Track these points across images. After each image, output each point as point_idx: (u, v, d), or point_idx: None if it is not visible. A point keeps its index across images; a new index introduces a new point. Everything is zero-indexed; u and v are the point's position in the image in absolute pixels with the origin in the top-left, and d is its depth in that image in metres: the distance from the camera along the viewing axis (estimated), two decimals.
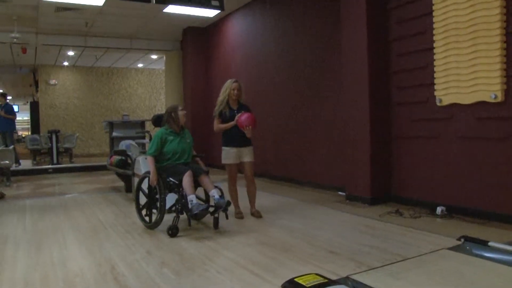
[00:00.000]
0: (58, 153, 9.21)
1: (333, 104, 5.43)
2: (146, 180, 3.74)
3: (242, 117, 3.83)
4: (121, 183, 6.09)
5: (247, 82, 6.61)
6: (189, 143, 3.76)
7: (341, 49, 4.94)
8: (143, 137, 7.55)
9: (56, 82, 12.74)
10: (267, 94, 6.92)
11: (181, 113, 3.74)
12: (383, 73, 4.58)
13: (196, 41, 9.10)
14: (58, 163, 9.09)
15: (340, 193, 5.17)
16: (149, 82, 14.04)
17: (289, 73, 6.41)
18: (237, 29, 7.90)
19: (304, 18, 6.01)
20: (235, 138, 3.97)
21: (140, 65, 13.41)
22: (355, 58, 4.68)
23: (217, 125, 4.02)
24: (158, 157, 3.65)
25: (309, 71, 5.95)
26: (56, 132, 9.28)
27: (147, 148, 5.20)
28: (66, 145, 9.89)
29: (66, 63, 12.49)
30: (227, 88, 3.96)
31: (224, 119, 3.99)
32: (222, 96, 3.99)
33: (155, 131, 3.82)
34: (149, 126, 10.02)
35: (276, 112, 6.71)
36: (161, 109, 13.57)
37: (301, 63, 6.10)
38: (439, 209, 3.88)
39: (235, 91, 3.93)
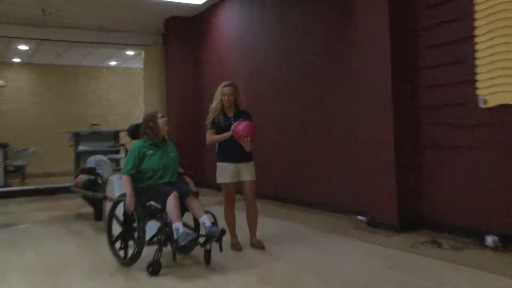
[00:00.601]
0: (6, 173, 9.03)
1: (349, 108, 5.49)
2: (121, 204, 3.75)
3: (239, 127, 3.90)
4: (89, 209, 6.08)
5: (246, 83, 6.68)
6: (173, 158, 3.82)
7: (357, 40, 5.00)
8: (117, 152, 7.58)
9: (3, 83, 12.53)
10: (270, 97, 7.00)
11: (161, 121, 3.81)
12: (409, 69, 4.62)
13: (182, 34, 9.20)
14: (6, 185, 8.92)
15: (359, 217, 5.20)
16: (125, 84, 14.12)
17: (295, 72, 6.49)
18: (232, 19, 8.01)
19: (312, 4, 6.09)
20: (232, 152, 4.02)
21: (113, 63, 13.51)
22: (374, 51, 4.73)
23: (210, 137, 4.09)
24: (136, 176, 3.69)
25: (319, 69, 6.02)
26: (4, 146, 9.18)
27: (122, 165, 5.18)
28: (18, 163, 9.80)
29: (17, 60, 12.35)
30: (218, 93, 4.07)
31: (218, 129, 4.06)
32: (214, 102, 4.09)
33: (132, 144, 3.87)
34: (124, 138, 10.07)
35: (280, 119, 6.78)
36: (139, 116, 13.58)
37: (310, 60, 6.18)
38: (490, 239, 3.76)
39: (227, 97, 4.02)
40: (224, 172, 4.03)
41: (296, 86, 6.46)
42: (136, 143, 3.79)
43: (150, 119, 3.81)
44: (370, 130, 4.79)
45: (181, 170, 3.96)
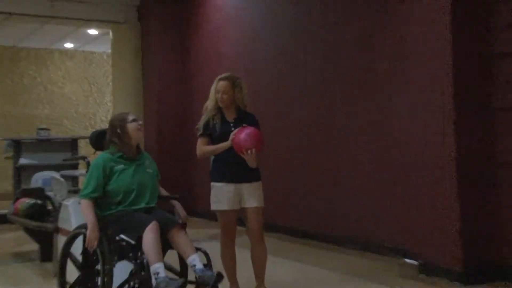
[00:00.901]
0: None
1: (391, 111, 5.51)
2: (79, 239, 3.77)
3: (241, 135, 3.96)
4: (34, 246, 6.05)
5: (253, 79, 6.72)
6: (151, 175, 3.87)
7: (404, 20, 5.04)
8: (75, 167, 7.53)
9: None
10: (283, 97, 7.03)
11: (132, 125, 3.87)
12: (477, 57, 4.65)
13: (166, 9, 9.27)
14: None
15: (407, 260, 5.19)
16: (85, 73, 14.17)
17: (315, 66, 6.52)
18: None
19: None
20: (232, 168, 4.07)
21: (68, 46, 13.53)
22: (428, 34, 4.76)
23: (202, 147, 4.17)
24: (101, 201, 3.72)
25: (347, 61, 6.07)
26: None
27: (81, 185, 5.24)
28: None
29: None
30: (212, 89, 4.20)
31: (213, 137, 4.13)
32: (209, 101, 4.20)
33: (95, 157, 3.93)
34: (85, 148, 9.85)
35: (300, 127, 6.81)
36: (105, 119, 13.62)
37: (336, 49, 6.21)
38: None
39: (221, 95, 4.11)
40: (221, 195, 4.08)
41: (316, 83, 6.51)
42: (100, 155, 3.84)
43: (117, 124, 3.88)
44: (421, 143, 4.83)
45: (163, 192, 3.98)
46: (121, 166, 3.77)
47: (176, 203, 3.95)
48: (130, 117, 3.91)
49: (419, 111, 4.86)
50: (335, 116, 6.26)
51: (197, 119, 4.30)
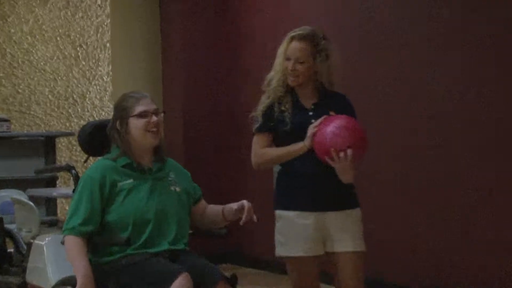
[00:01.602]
0: None
1: None
2: None
3: (327, 129, 4.01)
4: None
5: (353, 33, 6.73)
6: (178, 195, 3.96)
7: None
8: (53, 182, 7.71)
9: None
10: (409, 80, 7.03)
11: (138, 123, 3.89)
12: None
13: None
14: None
15: None
16: (68, 28, 14.21)
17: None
18: None
19: None
20: (311, 185, 4.13)
21: None
22: None
23: (262, 151, 4.24)
24: (98, 240, 3.80)
25: None
26: None
27: (63, 214, 5.29)
28: None
29: None
30: (280, 54, 4.26)
31: (281, 133, 4.20)
32: (274, 72, 4.28)
33: (89, 167, 4.03)
34: (70, 151, 10.19)
35: (437, 130, 6.79)
36: (100, 103, 13.56)
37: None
38: None
39: (293, 65, 4.15)
40: (293, 233, 4.13)
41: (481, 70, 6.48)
42: (95, 163, 3.94)
43: (116, 113, 3.99)
44: None
45: (207, 221, 4.09)
46: (129, 182, 3.84)
47: (225, 207, 4.00)
48: (139, 107, 3.91)
49: None
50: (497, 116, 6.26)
51: (248, 108, 4.36)
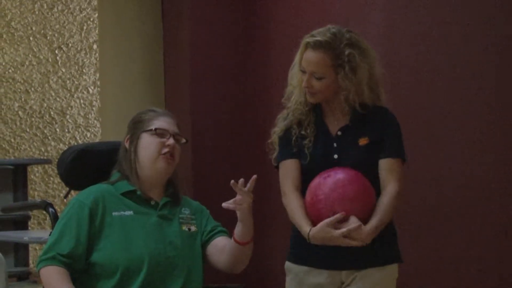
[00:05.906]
0: None
1: None
2: None
3: (327, 181, 3.70)
4: None
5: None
6: (190, 237, 3.67)
7: None
8: (23, 224, 7.78)
9: None
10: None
11: (150, 141, 3.63)
12: None
13: None
14: None
15: None
16: (43, 24, 14.01)
17: None
18: None
19: None
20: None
21: None
22: None
23: (291, 196, 3.86)
24: (81, 284, 3.47)
25: None
26: None
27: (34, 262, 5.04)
28: None
29: None
30: (295, 64, 3.89)
31: (304, 165, 3.88)
32: (290, 87, 3.97)
33: (69, 201, 3.72)
34: (46, 185, 10.06)
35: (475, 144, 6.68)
36: (85, 122, 13.22)
37: None
38: None
39: (308, 80, 3.73)
40: None
41: None
42: (87, 189, 3.60)
43: (130, 127, 3.70)
44: None
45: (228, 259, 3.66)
46: (127, 214, 3.54)
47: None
48: (158, 122, 3.62)
49: None
50: None
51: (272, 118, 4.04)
